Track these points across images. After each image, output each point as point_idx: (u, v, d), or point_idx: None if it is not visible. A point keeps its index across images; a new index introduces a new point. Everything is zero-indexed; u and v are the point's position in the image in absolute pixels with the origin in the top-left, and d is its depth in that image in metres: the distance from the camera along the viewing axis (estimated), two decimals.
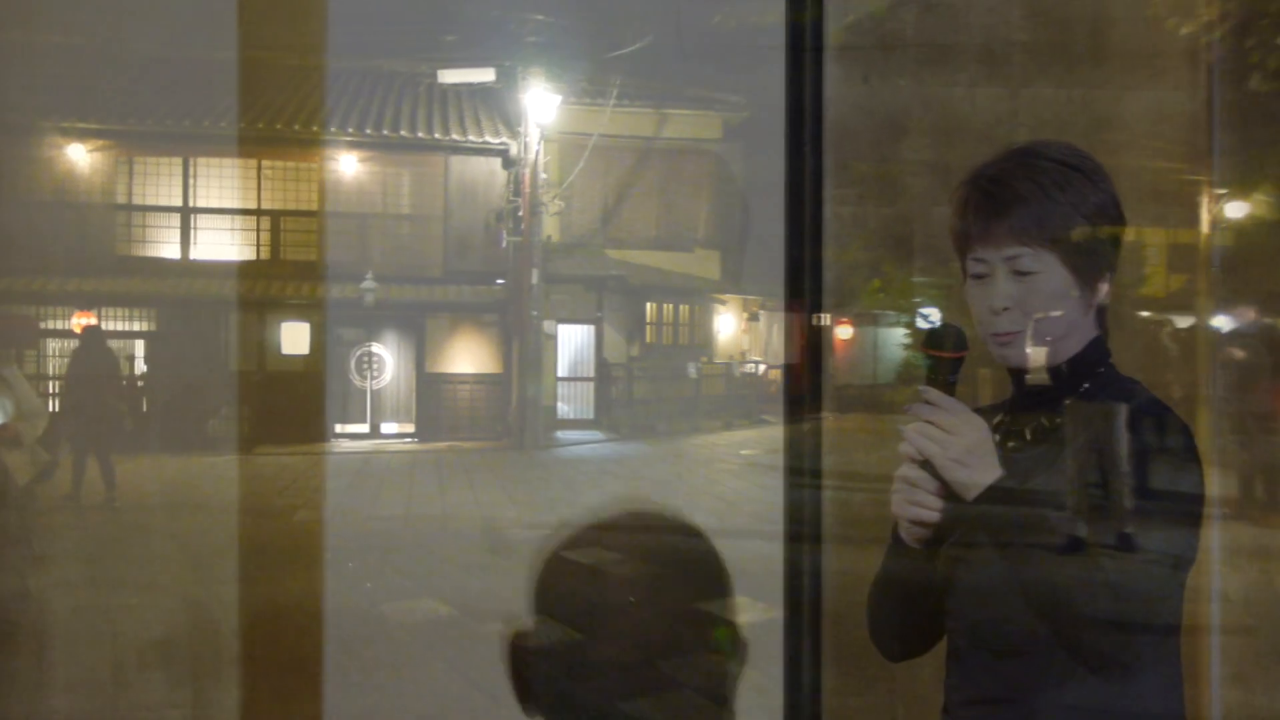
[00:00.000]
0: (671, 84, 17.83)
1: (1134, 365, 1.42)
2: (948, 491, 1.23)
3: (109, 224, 15.97)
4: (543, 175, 15.84)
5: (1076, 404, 1.29)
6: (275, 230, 16.25)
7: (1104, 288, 1.33)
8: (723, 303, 19.03)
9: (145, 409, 15.83)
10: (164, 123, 15.86)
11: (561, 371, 17.63)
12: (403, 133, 16.31)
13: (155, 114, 15.87)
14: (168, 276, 15.85)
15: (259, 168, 16.33)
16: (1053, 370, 1.31)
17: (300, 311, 16.03)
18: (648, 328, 17.90)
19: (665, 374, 17.80)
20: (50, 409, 4.72)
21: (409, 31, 16.76)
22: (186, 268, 16.07)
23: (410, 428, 16.56)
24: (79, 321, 15.44)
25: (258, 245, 16.30)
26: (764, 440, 16.14)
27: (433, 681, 5.14)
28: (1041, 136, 1.39)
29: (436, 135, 16.42)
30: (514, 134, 16.19)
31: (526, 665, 1.10)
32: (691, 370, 18.20)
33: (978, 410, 1.32)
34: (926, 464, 1.23)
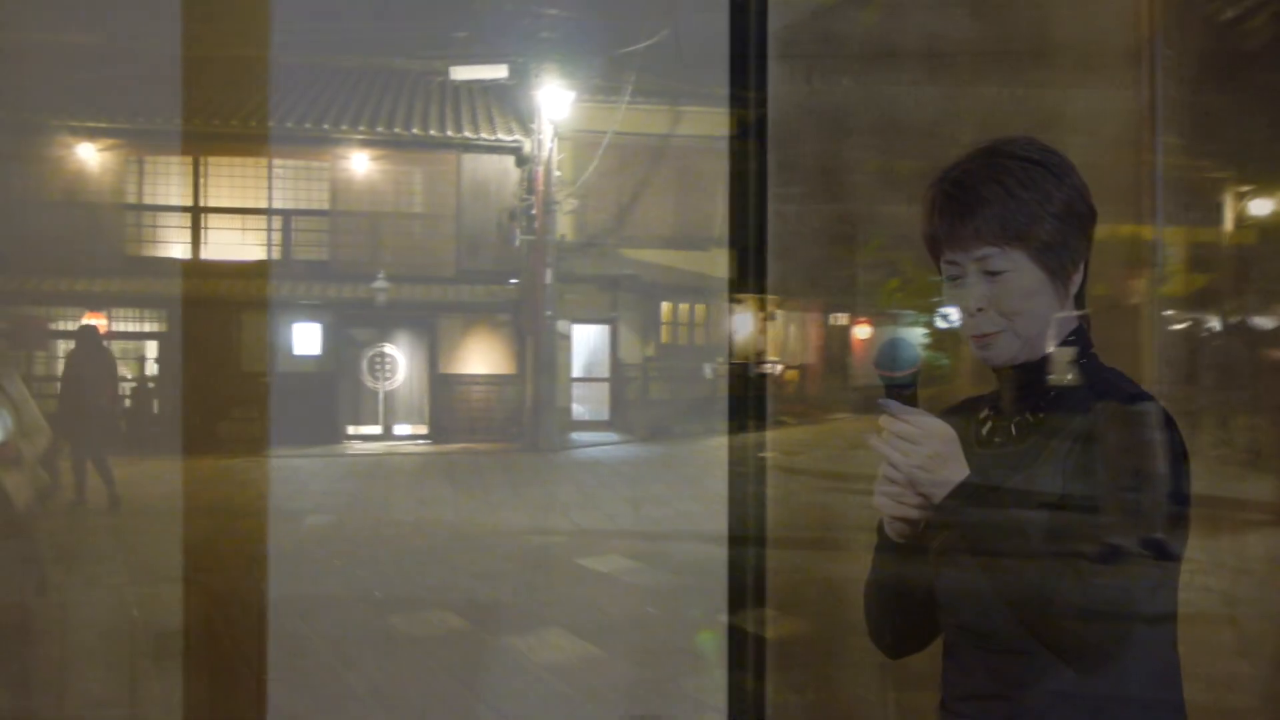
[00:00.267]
0: (686, 80, 17.54)
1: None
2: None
3: (119, 224, 15.82)
4: (556, 173, 15.62)
5: (1061, 398, 1.32)
6: (286, 230, 16.07)
7: (1077, 279, 1.34)
8: (739, 302, 18.74)
9: (156, 410, 15.69)
10: (174, 121, 15.68)
11: (576, 372, 17.41)
12: (414, 131, 16.11)
13: (165, 112, 15.69)
14: (177, 276, 15.67)
15: (270, 167, 16.15)
16: (1034, 365, 1.32)
17: (311, 312, 15.86)
18: (663, 328, 17.66)
19: (681, 375, 17.54)
20: (52, 426, 4.44)
21: (421, 28, 16.54)
22: (196, 268, 15.89)
23: (423, 429, 16.36)
24: (90, 323, 15.32)
25: (269, 245, 16.12)
26: (781, 442, 15.84)
27: (443, 699, 4.90)
28: (984, 135, 1.40)
29: (449, 133, 16.22)
30: (527, 131, 15.99)
31: None
32: (707, 371, 17.93)
33: (964, 403, 1.40)
34: None
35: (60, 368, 12.71)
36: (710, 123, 18.29)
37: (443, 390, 16.31)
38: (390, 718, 4.69)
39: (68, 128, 15.52)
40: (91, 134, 15.63)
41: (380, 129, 16.09)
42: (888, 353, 1.30)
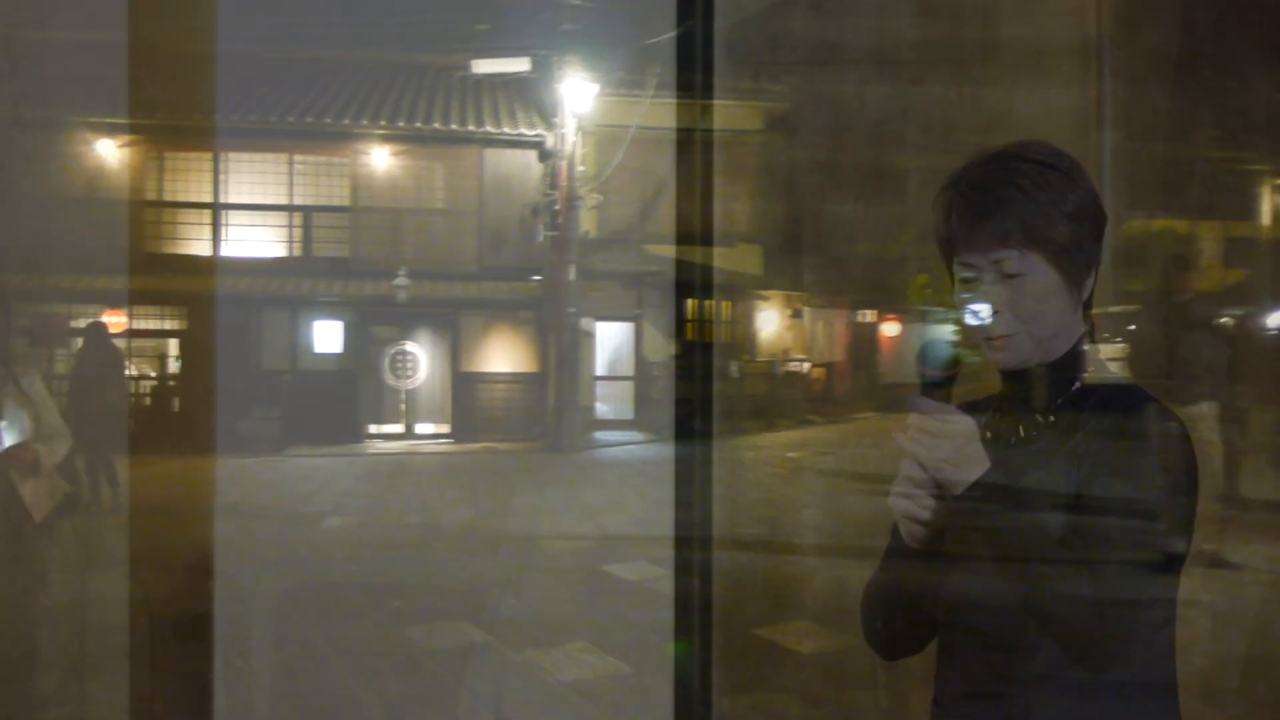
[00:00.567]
0: (712, 72, 17.18)
1: None
2: (942, 492, 1.27)
3: (138, 220, 15.68)
4: (579, 168, 15.34)
5: (1074, 401, 1.34)
6: (307, 226, 15.89)
7: (1089, 284, 1.37)
8: (765, 299, 18.41)
9: (177, 409, 15.54)
10: (193, 117, 15.49)
11: (599, 370, 17.16)
12: (436, 125, 15.87)
13: (185, 108, 15.48)
14: (198, 274, 15.49)
15: (290, 162, 15.97)
16: (1047, 367, 1.35)
17: (332, 309, 15.68)
18: (688, 325, 17.30)
19: (706, 373, 17.18)
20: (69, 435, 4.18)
21: (441, 21, 16.30)
22: (217, 264, 15.75)
23: (445, 428, 16.16)
24: (109, 320, 15.18)
25: (290, 241, 15.94)
26: (809, 442, 15.56)
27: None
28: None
29: (470, 128, 15.97)
30: (550, 125, 15.70)
31: None
32: (733, 369, 17.60)
33: (963, 406, 1.35)
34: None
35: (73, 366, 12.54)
36: (736, 116, 17.98)
37: (465, 389, 16.10)
38: None
39: (88, 124, 15.38)
40: (112, 130, 15.48)
41: (401, 124, 15.87)
42: (930, 352, 1.31)
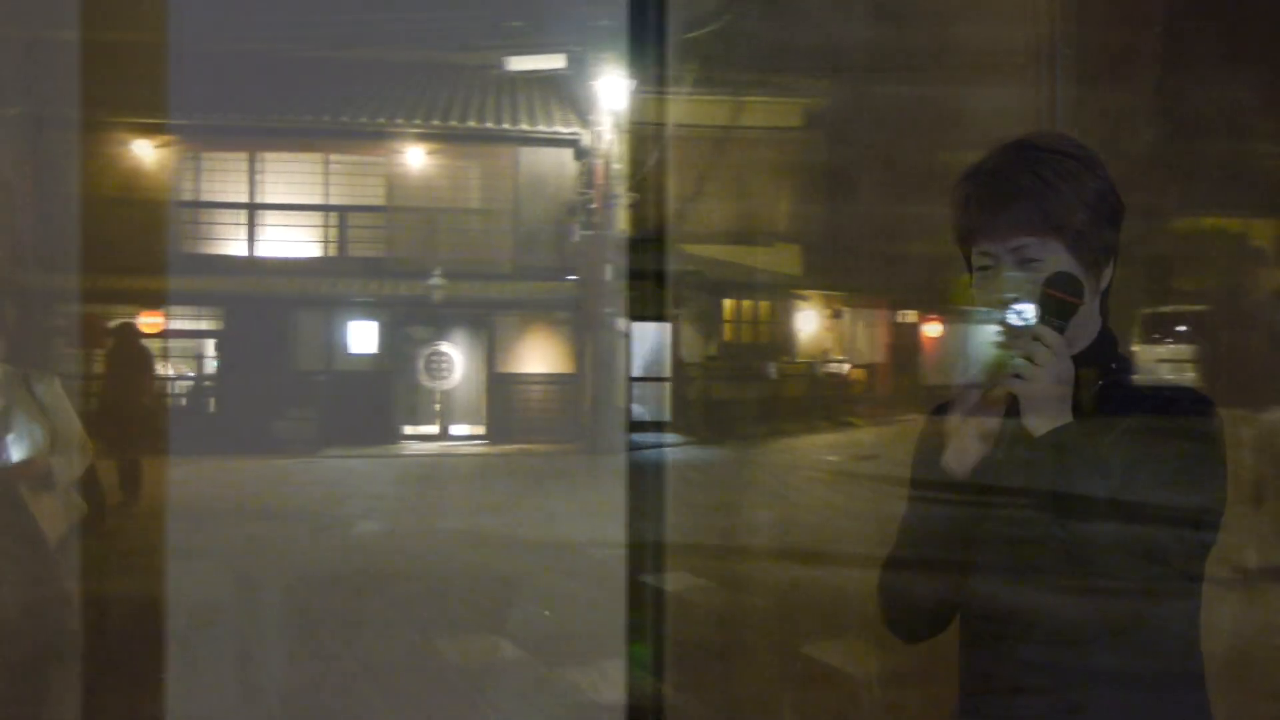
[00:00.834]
0: (749, 69, 16.90)
1: None
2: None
3: (175, 220, 15.63)
4: (615, 166, 15.06)
5: (1104, 392, 1.35)
6: (342, 226, 15.77)
7: (1108, 273, 1.39)
8: (804, 299, 18.05)
9: (212, 409, 15.50)
10: (229, 117, 15.46)
11: (635, 371, 16.86)
12: (470, 124, 15.67)
13: (221, 108, 15.47)
14: (233, 274, 15.45)
15: (326, 162, 15.86)
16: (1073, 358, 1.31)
17: (367, 309, 15.56)
18: (726, 326, 17.05)
19: (744, 374, 16.93)
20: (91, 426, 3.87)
21: (476, 18, 16.12)
22: (252, 265, 15.68)
23: (480, 429, 15.98)
24: (146, 321, 15.15)
25: (325, 242, 15.84)
26: (849, 444, 15.20)
27: None
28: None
29: (505, 126, 15.76)
30: (585, 123, 15.46)
31: None
32: (771, 370, 17.28)
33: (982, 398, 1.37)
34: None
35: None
36: (775, 113, 17.66)
37: (500, 390, 15.92)
38: None
39: (124, 124, 15.35)
40: (147, 130, 15.44)
41: (435, 123, 15.70)
42: (1060, 277, 1.30)
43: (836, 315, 18.72)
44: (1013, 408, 1.33)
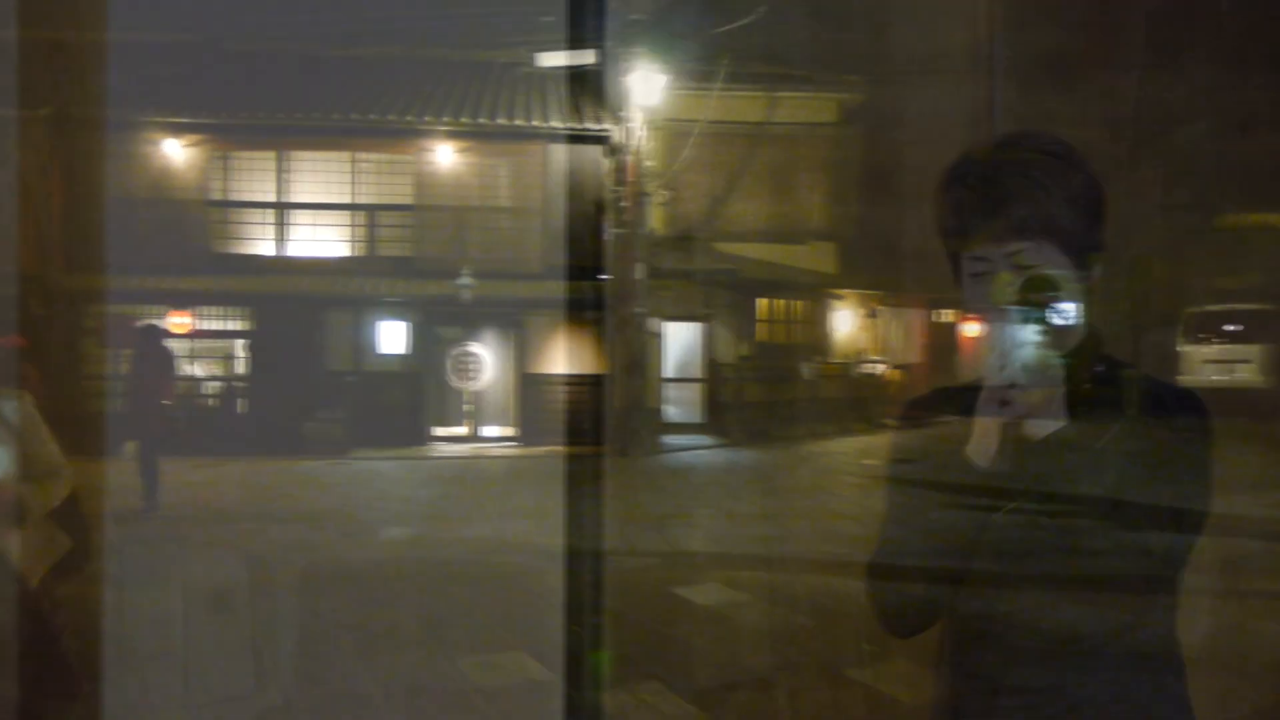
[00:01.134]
0: (782, 63, 16.52)
1: None
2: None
3: (203, 220, 15.50)
4: (647, 163, 14.74)
5: (1099, 391, 1.37)
6: (371, 225, 15.56)
7: (1097, 270, 1.42)
8: (839, 298, 17.64)
9: (240, 410, 15.34)
10: (257, 115, 15.30)
11: (668, 372, 16.57)
12: (499, 121, 15.40)
13: (249, 107, 15.32)
14: (262, 273, 15.28)
15: (354, 160, 15.66)
16: (1063, 359, 1.35)
17: (396, 309, 15.33)
18: (759, 325, 16.70)
19: (778, 375, 16.56)
20: (71, 474, 3.46)
21: (505, 14, 15.85)
22: (281, 264, 15.50)
23: (510, 431, 15.71)
24: (175, 321, 15.05)
25: (353, 241, 15.63)
26: (886, 447, 14.69)
27: None
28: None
29: (534, 123, 15.46)
30: (616, 120, 15.14)
31: None
32: (806, 371, 16.88)
33: (951, 393, 1.51)
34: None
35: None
36: (808, 109, 17.27)
37: (530, 390, 15.65)
38: None
39: (154, 124, 15.24)
40: (177, 129, 15.32)
41: (465, 120, 15.44)
42: (1049, 281, 1.34)
43: (872, 314, 18.29)
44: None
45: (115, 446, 10.05)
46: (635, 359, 14.82)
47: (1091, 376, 1.38)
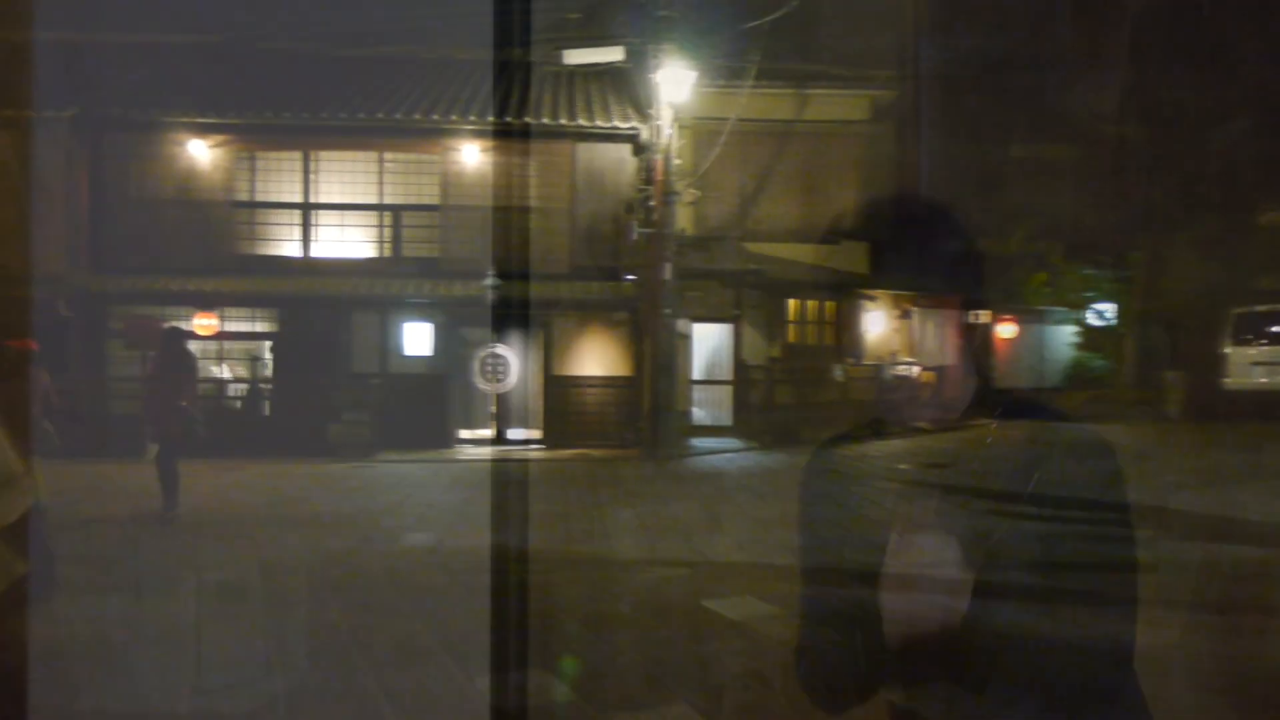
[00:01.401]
0: (814, 60, 16.19)
1: None
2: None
3: (229, 221, 15.37)
4: (676, 162, 14.46)
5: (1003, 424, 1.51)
6: (397, 225, 15.38)
7: (983, 314, 1.58)
8: (871, 299, 17.23)
9: (265, 413, 15.20)
10: (283, 116, 15.16)
11: (696, 374, 16.29)
12: (526, 120, 15.16)
13: (275, 107, 15.18)
14: (288, 275, 15.13)
15: (380, 160, 15.48)
16: (969, 394, 1.56)
17: (422, 310, 15.13)
18: (789, 327, 16.35)
19: (808, 377, 16.20)
20: (33, 486, 3.15)
21: (531, 10, 15.61)
22: (307, 265, 15.34)
23: (536, 434, 15.49)
24: (201, 322, 14.94)
25: (380, 241, 15.46)
26: (918, 451, 14.29)
27: None
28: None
29: (562, 121, 15.22)
30: (644, 118, 14.87)
31: None
32: (837, 373, 16.46)
33: (852, 433, 1.70)
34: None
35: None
36: (841, 105, 16.92)
37: (556, 393, 15.42)
38: None
39: (179, 124, 15.13)
40: (202, 130, 15.20)
41: (491, 119, 15.22)
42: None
43: (905, 315, 17.88)
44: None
45: (137, 449, 9.89)
46: (663, 361, 14.54)
47: (993, 410, 1.51)
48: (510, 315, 15.55)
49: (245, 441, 14.70)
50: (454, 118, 15.34)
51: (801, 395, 16.23)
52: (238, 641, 5.50)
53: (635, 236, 14.91)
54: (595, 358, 15.61)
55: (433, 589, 6.70)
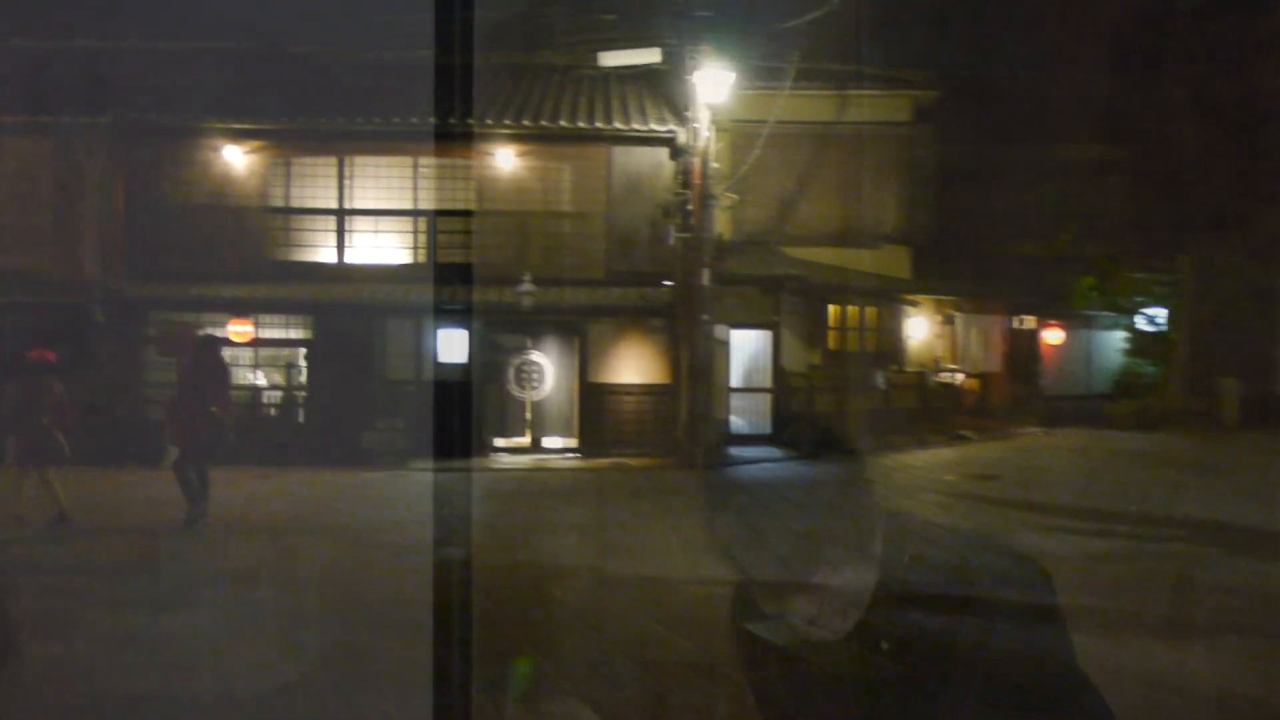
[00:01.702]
0: (854, 61, 15.81)
1: None
2: None
3: (264, 227, 15.24)
4: (713, 165, 14.15)
5: None
6: (431, 231, 15.17)
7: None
8: (914, 304, 16.84)
9: (302, 420, 15.05)
10: (318, 121, 15.01)
11: (734, 381, 15.96)
12: (562, 123, 14.91)
13: (309, 113, 15.04)
14: (322, 281, 14.98)
15: (415, 165, 15.28)
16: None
17: (456, 317, 14.89)
18: (830, 333, 15.97)
19: (849, 384, 15.80)
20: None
21: (565, 12, 15.36)
22: (341, 272, 15.18)
23: (572, 442, 15.21)
24: (235, 329, 14.82)
25: (414, 247, 15.26)
26: (965, 461, 14.01)
27: None
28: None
29: (598, 124, 14.95)
30: (681, 121, 14.58)
31: None
32: (879, 380, 16.11)
33: None
34: None
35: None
36: (881, 107, 16.54)
37: (592, 400, 15.15)
38: None
39: (215, 130, 15.04)
40: (238, 136, 15.09)
41: (526, 122, 14.99)
42: None
43: (948, 321, 17.45)
44: None
45: (170, 456, 9.75)
46: (700, 368, 14.23)
47: None
48: (545, 322, 15.30)
49: (278, 449, 14.56)
50: (489, 122, 15.13)
51: (842, 403, 15.84)
52: (247, 657, 5.26)
53: (672, 241, 14.62)
54: (631, 365, 15.33)
55: (463, 608, 6.42)
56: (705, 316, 14.26)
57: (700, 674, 5.15)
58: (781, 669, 5.18)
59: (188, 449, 9.27)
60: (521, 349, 15.57)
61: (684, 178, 14.56)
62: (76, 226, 15.08)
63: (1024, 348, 18.59)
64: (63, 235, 15.08)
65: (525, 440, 15.56)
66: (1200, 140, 17.37)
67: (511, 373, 15.45)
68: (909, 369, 16.90)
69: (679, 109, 15.05)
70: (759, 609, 6.10)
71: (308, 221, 15.50)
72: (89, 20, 16.11)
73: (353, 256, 15.44)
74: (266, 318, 15.21)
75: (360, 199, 15.50)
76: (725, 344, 15.67)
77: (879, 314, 16.71)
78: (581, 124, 15.24)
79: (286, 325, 15.36)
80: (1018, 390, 18.07)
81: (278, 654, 5.49)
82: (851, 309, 16.39)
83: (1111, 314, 19.01)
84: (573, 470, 14.01)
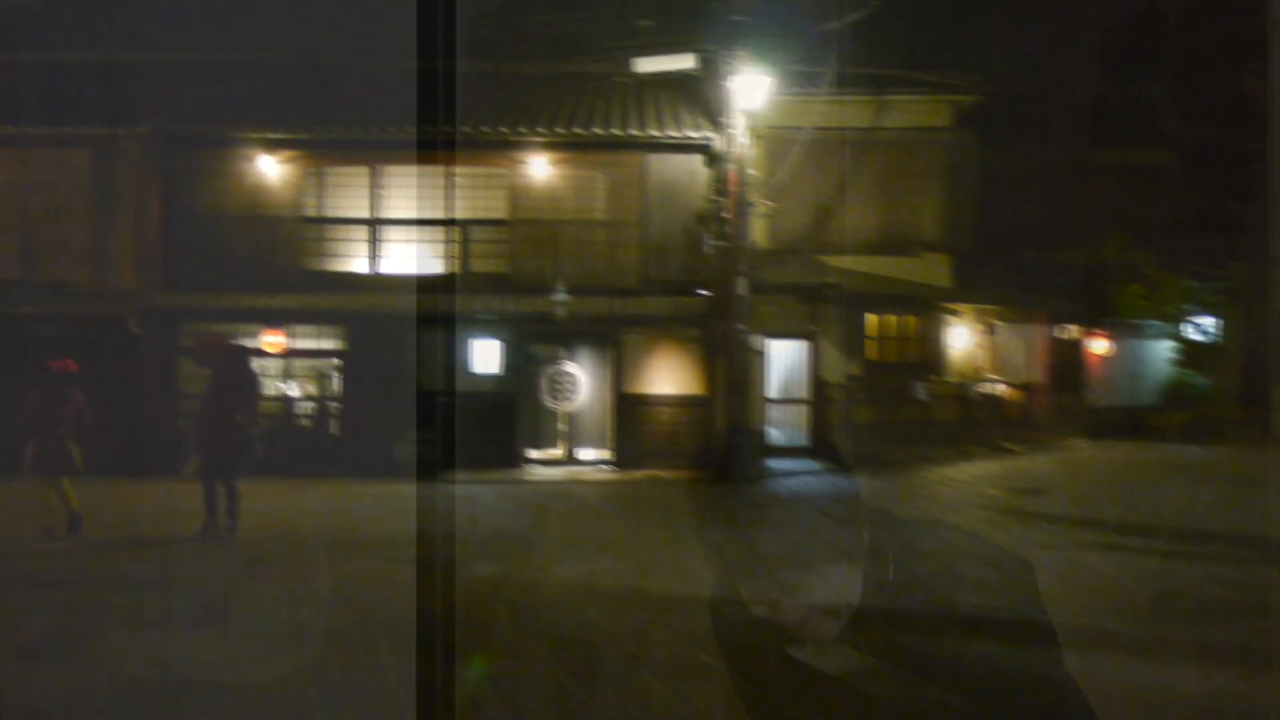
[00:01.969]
0: (893, 64, 15.49)
1: None
2: None
3: (297, 237, 15.15)
4: (750, 172, 13.89)
5: None
6: (464, 240, 15.01)
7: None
8: (955, 314, 16.43)
9: (331, 431, 14.93)
10: (351, 130, 14.93)
11: (771, 392, 15.66)
12: (596, 130, 14.71)
13: (342, 123, 14.96)
14: (355, 291, 14.86)
15: (448, 174, 15.13)
16: None
17: (489, 327, 14.73)
18: (869, 343, 15.58)
19: (889, 395, 15.45)
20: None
21: (600, 18, 15.19)
22: (374, 281, 15.06)
23: (606, 454, 14.97)
24: (268, 339, 14.75)
25: (446, 257, 15.09)
26: (1008, 474, 13.63)
27: None
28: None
29: (632, 132, 14.73)
30: (717, 127, 14.34)
31: None
32: (919, 391, 15.73)
33: None
34: None
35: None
36: (922, 112, 16.20)
37: (627, 411, 14.90)
38: None
39: (249, 140, 14.99)
40: (271, 146, 15.03)
41: (559, 130, 14.81)
42: None
43: (990, 330, 17.01)
44: None
45: (190, 465, 9.62)
46: (737, 378, 13.96)
47: None
48: (579, 332, 15.09)
49: (311, 459, 14.46)
50: (522, 130, 14.95)
51: (882, 414, 15.47)
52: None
53: (708, 250, 14.36)
54: (667, 375, 15.07)
55: (495, 629, 6.18)
56: (741, 326, 13.99)
57: (748, 707, 4.86)
58: (829, 698, 4.89)
59: (212, 460, 9.14)
60: (555, 359, 15.37)
61: (720, 185, 14.31)
62: (112, 237, 15.09)
63: (1068, 357, 18.11)
64: (99, 246, 15.09)
65: (559, 452, 15.35)
66: (1253, 143, 16.88)
67: (545, 383, 15.25)
68: (950, 379, 16.50)
69: (715, 115, 14.81)
70: (804, 633, 5.81)
71: (341, 231, 15.40)
72: (125, 33, 16.17)
73: (386, 266, 15.32)
74: (299, 328, 15.12)
75: (393, 208, 15.38)
76: (762, 354, 15.37)
77: (919, 323, 16.33)
78: (616, 131, 15.04)
79: (319, 335, 15.26)
80: (1062, 401, 17.60)
81: (292, 678, 5.30)
82: (891, 318, 16.02)
83: (1159, 323, 18.48)
84: (607, 483, 13.77)
